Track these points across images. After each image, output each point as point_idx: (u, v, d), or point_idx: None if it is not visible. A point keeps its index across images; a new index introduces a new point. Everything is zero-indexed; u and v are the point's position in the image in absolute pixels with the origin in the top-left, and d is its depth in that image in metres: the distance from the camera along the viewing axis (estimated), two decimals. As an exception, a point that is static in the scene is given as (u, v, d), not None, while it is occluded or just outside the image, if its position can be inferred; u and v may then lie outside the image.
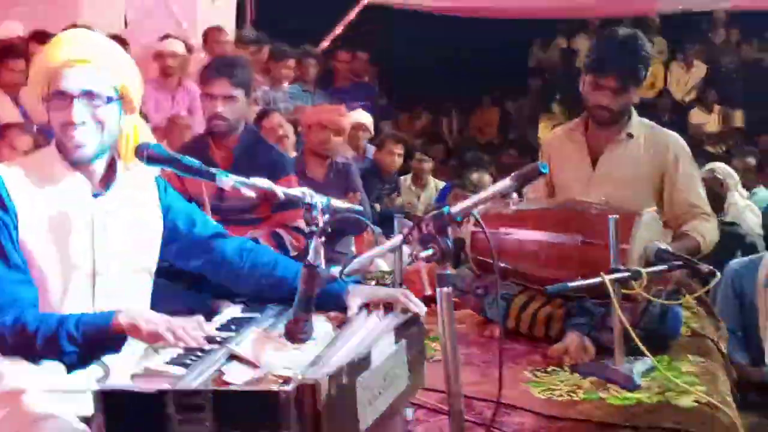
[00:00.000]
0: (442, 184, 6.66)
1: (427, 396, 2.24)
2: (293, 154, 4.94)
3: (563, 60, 10.45)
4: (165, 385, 1.57)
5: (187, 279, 2.53)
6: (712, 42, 10.33)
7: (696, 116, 9.67)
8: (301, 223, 3.37)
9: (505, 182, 1.79)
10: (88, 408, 1.77)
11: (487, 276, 2.98)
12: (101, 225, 2.01)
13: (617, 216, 2.49)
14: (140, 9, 7.11)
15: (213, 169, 2.05)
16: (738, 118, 9.74)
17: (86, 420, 1.84)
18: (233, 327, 1.96)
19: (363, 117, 6.25)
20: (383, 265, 4.12)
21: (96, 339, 1.85)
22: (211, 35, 7.00)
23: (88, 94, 1.95)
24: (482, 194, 1.82)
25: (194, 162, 2.04)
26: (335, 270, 1.92)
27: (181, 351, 1.79)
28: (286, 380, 1.59)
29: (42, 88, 1.99)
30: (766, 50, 10.36)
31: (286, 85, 6.71)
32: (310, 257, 1.83)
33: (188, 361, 1.73)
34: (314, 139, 4.59)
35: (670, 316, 2.75)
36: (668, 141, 3.14)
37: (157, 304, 2.10)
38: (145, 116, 2.64)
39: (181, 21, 7.17)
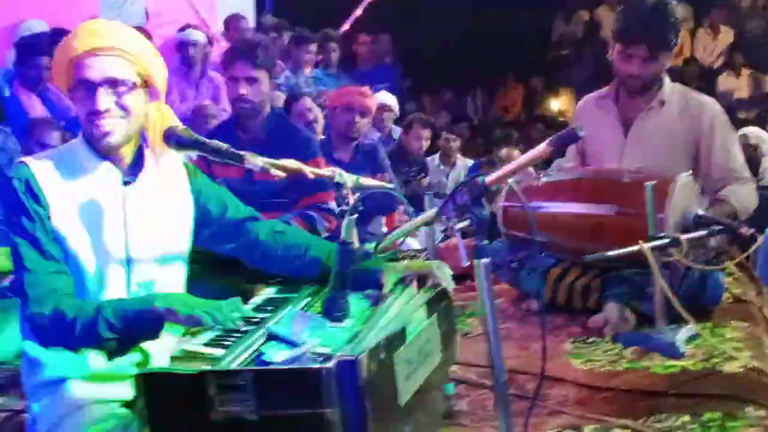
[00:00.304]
0: (470, 162, 6.62)
1: (467, 371, 2.22)
2: (321, 137, 4.92)
3: (586, 32, 10.30)
4: (205, 367, 1.56)
5: (222, 263, 2.52)
6: (738, 6, 10.13)
7: (724, 83, 9.49)
8: (332, 204, 3.37)
9: (542, 147, 1.75)
10: (130, 393, 1.78)
11: (521, 250, 2.95)
12: (133, 212, 2.01)
13: (654, 182, 2.45)
14: (160, 1, 7.13)
15: (242, 152, 2.04)
16: (768, 83, 9.57)
17: (128, 404, 1.85)
18: (270, 308, 1.95)
19: (388, 98, 6.24)
20: (415, 244, 4.10)
21: (134, 325, 1.85)
22: (232, 23, 7.04)
23: (112, 82, 1.94)
24: (520, 160, 1.79)
25: (222, 145, 2.03)
26: (369, 247, 1.91)
27: (219, 333, 1.79)
28: (326, 358, 1.57)
29: (66, 79, 1.98)
30: (794, 13, 10.16)
31: (308, 70, 6.70)
32: (344, 235, 1.81)
33: (227, 343, 1.73)
34: (341, 121, 4.56)
35: (709, 282, 2.71)
36: (703, 106, 3.07)
37: (192, 289, 2.10)
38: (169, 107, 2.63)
39: (200, 11, 7.17)
